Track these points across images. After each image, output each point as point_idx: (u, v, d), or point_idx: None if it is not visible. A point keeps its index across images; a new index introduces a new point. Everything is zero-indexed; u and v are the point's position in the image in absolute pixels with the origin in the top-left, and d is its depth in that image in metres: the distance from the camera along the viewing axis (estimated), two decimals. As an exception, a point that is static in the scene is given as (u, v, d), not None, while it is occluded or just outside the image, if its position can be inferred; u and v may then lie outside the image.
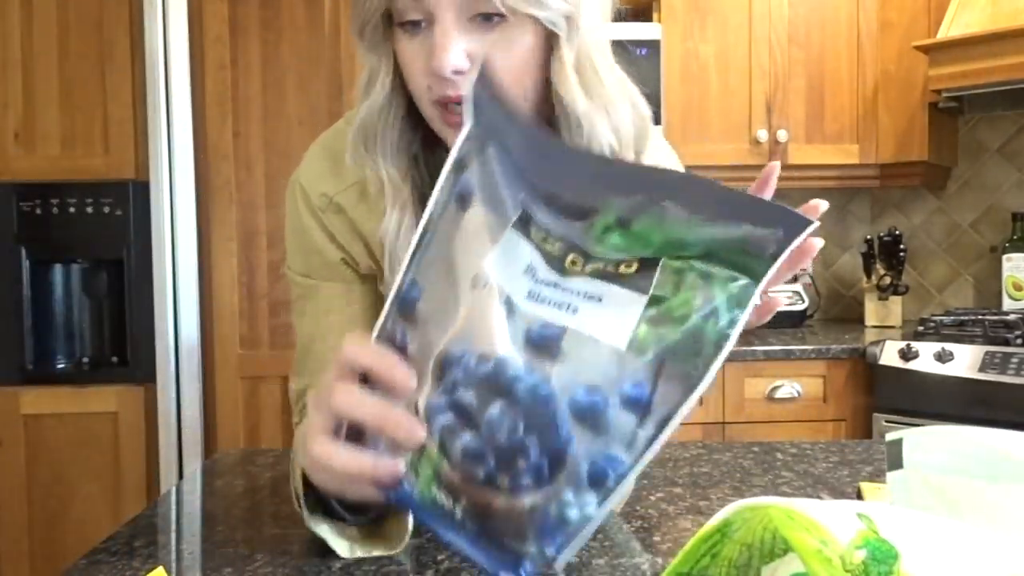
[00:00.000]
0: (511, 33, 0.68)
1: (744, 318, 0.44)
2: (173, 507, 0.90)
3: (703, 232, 0.45)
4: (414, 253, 0.54)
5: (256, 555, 0.71)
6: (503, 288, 0.50)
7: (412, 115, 0.77)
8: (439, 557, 0.70)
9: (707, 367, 0.43)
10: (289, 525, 0.79)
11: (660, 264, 0.47)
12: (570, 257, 0.50)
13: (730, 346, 0.43)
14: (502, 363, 0.48)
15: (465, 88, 0.61)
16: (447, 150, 0.57)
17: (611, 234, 0.48)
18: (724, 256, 0.45)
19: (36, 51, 2.19)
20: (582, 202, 0.50)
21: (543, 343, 0.48)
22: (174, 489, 0.96)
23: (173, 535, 0.77)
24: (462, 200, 0.54)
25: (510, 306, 0.50)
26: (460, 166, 0.55)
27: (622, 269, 0.48)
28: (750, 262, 0.44)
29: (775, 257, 0.43)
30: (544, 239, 0.51)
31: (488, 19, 0.67)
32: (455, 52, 0.67)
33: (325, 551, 0.69)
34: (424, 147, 0.79)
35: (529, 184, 0.52)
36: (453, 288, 0.52)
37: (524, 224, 0.52)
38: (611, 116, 0.74)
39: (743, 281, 0.44)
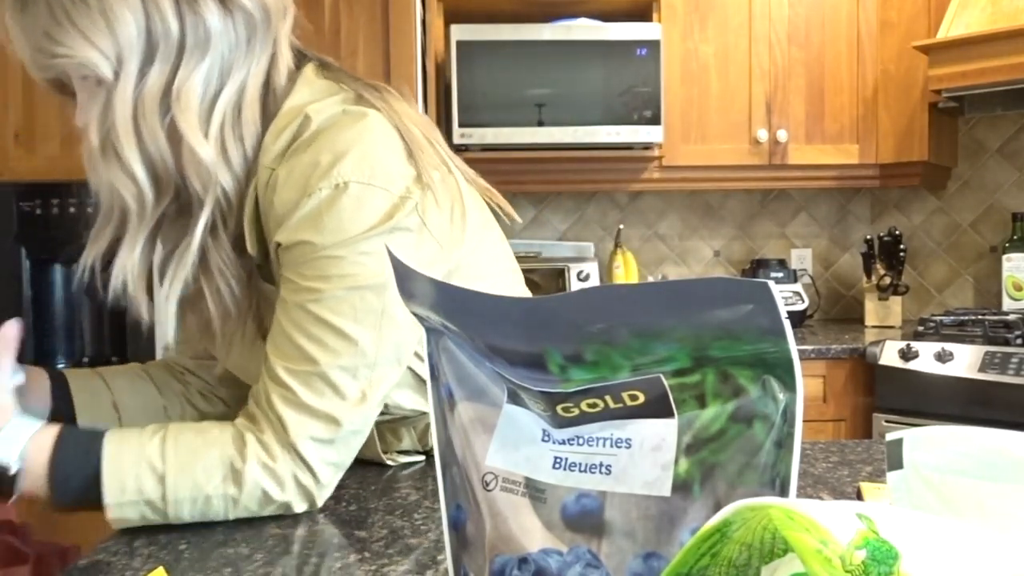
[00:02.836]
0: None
1: (800, 397, 0.40)
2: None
3: (669, 334, 0.41)
4: (443, 477, 0.51)
5: (256, 555, 0.71)
6: (516, 474, 0.47)
7: None
8: (439, 557, 0.70)
9: (781, 471, 0.39)
10: (289, 525, 0.79)
11: (667, 385, 0.42)
12: (560, 406, 0.46)
13: (799, 434, 0.40)
14: (540, 563, 0.45)
15: None
16: None
17: (569, 370, 0.44)
18: (723, 353, 0.41)
19: (36, 51, 2.19)
20: (528, 349, 0.45)
21: (583, 520, 0.44)
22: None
23: (173, 535, 0.77)
24: (450, 404, 0.51)
25: (534, 488, 0.46)
26: (434, 375, 0.52)
27: (628, 402, 0.44)
28: (756, 344, 0.40)
29: (779, 327, 0.39)
30: (532, 398, 0.47)
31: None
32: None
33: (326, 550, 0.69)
34: None
35: (488, 349, 0.47)
36: (476, 498, 0.49)
37: (515, 396, 0.48)
38: (129, 170, 0.80)
39: (769, 361, 0.40)
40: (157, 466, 0.77)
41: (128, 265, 0.82)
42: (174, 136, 0.79)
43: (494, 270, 0.98)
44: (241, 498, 0.78)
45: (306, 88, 0.85)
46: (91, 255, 0.84)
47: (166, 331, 2.12)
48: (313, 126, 0.81)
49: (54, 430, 0.78)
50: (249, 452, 0.78)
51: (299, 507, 0.81)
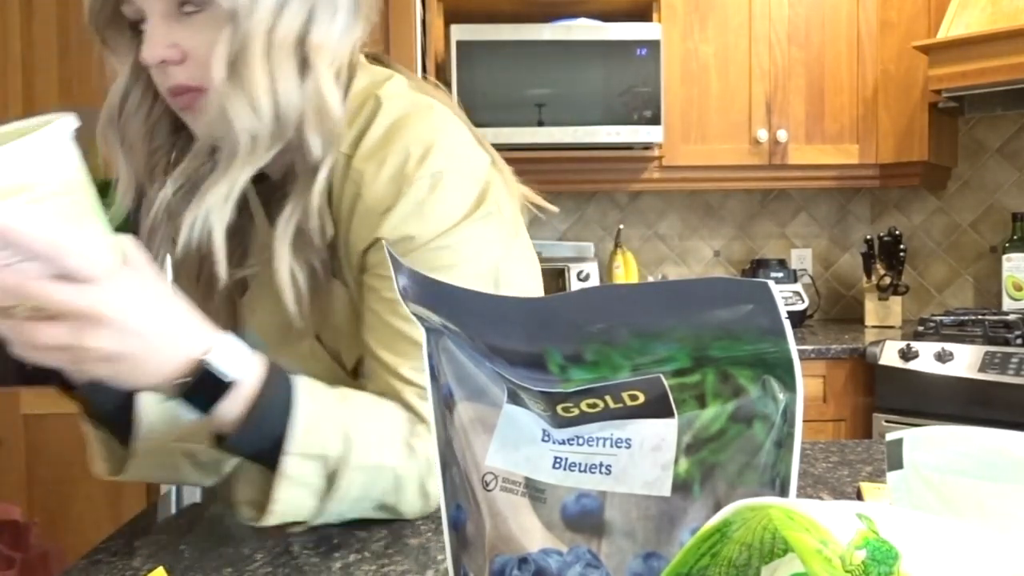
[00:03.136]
0: (209, 21, 0.74)
1: (800, 397, 0.40)
2: (173, 507, 0.90)
3: (669, 334, 0.41)
4: (443, 477, 0.51)
5: (256, 555, 0.71)
6: (516, 474, 0.47)
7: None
8: (439, 557, 0.70)
9: (781, 471, 0.39)
10: (289, 524, 0.79)
11: (667, 385, 0.42)
12: (560, 406, 0.45)
13: (799, 434, 0.40)
14: (540, 563, 0.45)
15: (176, 78, 0.74)
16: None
17: (569, 370, 0.44)
18: (723, 353, 0.41)
19: (36, 51, 2.19)
20: (528, 349, 0.45)
21: (583, 520, 0.44)
22: (174, 489, 0.96)
23: (173, 535, 0.77)
24: (448, 405, 0.51)
25: (534, 488, 0.46)
26: (434, 375, 0.51)
27: (628, 402, 0.44)
28: (757, 344, 0.40)
29: (779, 327, 0.39)
30: (532, 398, 0.47)
31: (188, 11, 0.75)
32: (158, 45, 0.74)
33: (326, 548, 0.69)
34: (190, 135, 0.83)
35: (488, 349, 0.47)
36: (476, 498, 0.49)
37: (515, 396, 0.48)
38: (253, 102, 0.75)
39: (769, 361, 0.40)
40: (343, 424, 0.72)
41: (217, 210, 0.76)
42: (304, 85, 0.78)
43: (530, 268, 0.99)
44: (404, 478, 0.74)
45: (365, 72, 0.86)
46: (177, 183, 0.78)
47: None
48: (387, 112, 0.81)
49: (264, 361, 0.70)
50: (420, 432, 0.76)
51: (432, 506, 0.77)
